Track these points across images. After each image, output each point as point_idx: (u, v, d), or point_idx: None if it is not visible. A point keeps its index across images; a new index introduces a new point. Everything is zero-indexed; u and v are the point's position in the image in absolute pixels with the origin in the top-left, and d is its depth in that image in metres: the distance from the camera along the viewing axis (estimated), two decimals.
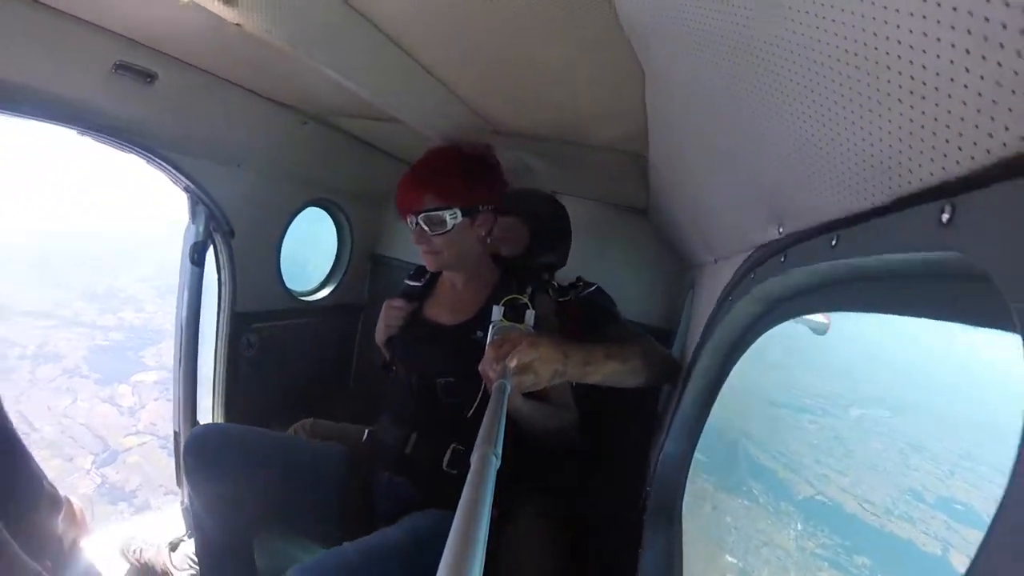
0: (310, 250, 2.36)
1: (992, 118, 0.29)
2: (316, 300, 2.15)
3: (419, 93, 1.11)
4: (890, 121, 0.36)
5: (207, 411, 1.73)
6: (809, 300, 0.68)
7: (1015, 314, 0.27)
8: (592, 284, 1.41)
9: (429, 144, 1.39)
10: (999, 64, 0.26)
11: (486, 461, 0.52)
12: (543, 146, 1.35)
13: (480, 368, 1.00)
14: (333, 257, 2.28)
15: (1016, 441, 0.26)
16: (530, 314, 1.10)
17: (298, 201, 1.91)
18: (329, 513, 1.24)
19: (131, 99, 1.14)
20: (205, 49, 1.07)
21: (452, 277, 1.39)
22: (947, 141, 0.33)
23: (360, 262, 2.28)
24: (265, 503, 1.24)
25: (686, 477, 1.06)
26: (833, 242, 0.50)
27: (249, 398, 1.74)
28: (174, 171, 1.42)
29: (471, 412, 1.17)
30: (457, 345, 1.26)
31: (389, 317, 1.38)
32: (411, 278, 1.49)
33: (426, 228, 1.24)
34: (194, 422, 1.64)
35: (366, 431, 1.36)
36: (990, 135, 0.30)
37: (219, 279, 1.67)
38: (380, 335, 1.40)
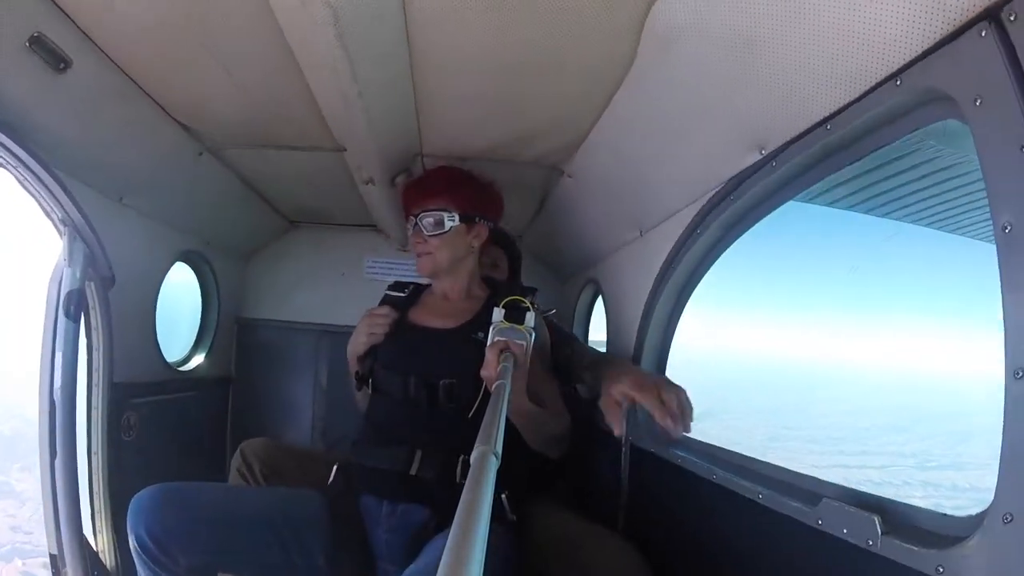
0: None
1: None
2: (189, 370, 1.95)
3: (348, 112, 1.18)
4: None
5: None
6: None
7: None
8: (550, 309, 1.66)
9: (314, 190, 1.69)
10: None
11: (486, 461, 0.52)
12: (468, 165, 1.47)
13: (483, 373, 1.07)
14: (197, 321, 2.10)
15: None
16: (530, 316, 1.15)
17: (174, 251, 1.78)
18: (315, 560, 1.18)
19: (37, 89, 1.00)
20: (123, 39, 1.02)
21: (444, 289, 1.45)
22: None
23: (227, 327, 2.13)
24: (243, 567, 1.18)
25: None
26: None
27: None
28: (54, 197, 1.24)
29: (472, 413, 1.22)
30: (457, 347, 1.30)
31: (373, 325, 1.39)
32: (393, 289, 1.53)
33: (423, 228, 1.36)
34: (80, 538, 1.37)
35: (335, 466, 1.33)
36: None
37: (89, 341, 1.43)
38: (359, 346, 1.40)
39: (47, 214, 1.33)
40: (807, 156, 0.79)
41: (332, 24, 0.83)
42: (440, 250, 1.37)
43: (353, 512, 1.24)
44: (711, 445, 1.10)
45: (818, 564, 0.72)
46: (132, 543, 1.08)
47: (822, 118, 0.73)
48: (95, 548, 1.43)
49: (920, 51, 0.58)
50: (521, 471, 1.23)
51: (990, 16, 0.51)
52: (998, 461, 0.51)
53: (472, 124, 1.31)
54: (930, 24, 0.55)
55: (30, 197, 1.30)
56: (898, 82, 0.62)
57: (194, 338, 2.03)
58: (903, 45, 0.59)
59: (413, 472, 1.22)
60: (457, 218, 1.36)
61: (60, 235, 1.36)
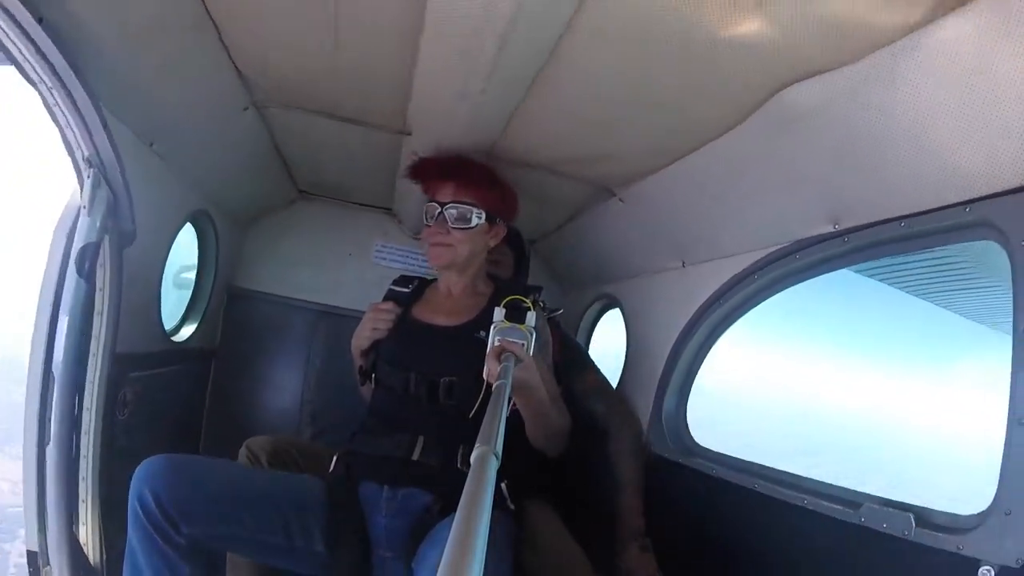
0: None
1: None
2: (181, 341, 1.82)
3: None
4: None
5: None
6: None
7: None
8: (557, 308, 1.73)
9: (342, 164, 1.69)
10: None
11: (486, 461, 0.54)
12: (524, 172, 1.54)
13: (485, 376, 1.11)
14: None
15: None
16: (531, 315, 1.19)
17: (186, 210, 1.66)
18: (314, 546, 1.21)
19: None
20: None
21: (450, 284, 1.48)
22: None
23: (219, 296, 2.00)
24: (243, 545, 1.21)
25: None
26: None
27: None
28: (86, 130, 1.11)
29: (472, 412, 1.25)
30: (458, 345, 1.34)
31: (377, 320, 1.42)
32: (397, 284, 1.56)
33: (448, 219, 1.38)
34: (69, 533, 1.26)
35: (335, 455, 1.36)
36: None
37: (91, 304, 1.29)
38: (363, 340, 1.44)
39: (70, 150, 1.18)
40: (875, 240, 1.02)
41: (506, 21, 0.86)
42: (461, 245, 1.40)
43: (352, 499, 1.26)
44: (733, 457, 1.32)
45: (859, 555, 0.95)
46: (133, 506, 1.07)
47: (900, 215, 0.96)
48: (80, 543, 1.31)
49: (993, 192, 0.81)
50: (520, 468, 1.27)
51: None
52: (999, 470, 0.76)
53: (554, 137, 1.37)
54: (1005, 173, 0.79)
55: (54, 126, 1.13)
56: (967, 209, 0.85)
57: (185, 306, 1.88)
58: (984, 181, 0.81)
59: (415, 457, 1.27)
60: (484, 216, 1.40)
61: (81, 177, 1.22)
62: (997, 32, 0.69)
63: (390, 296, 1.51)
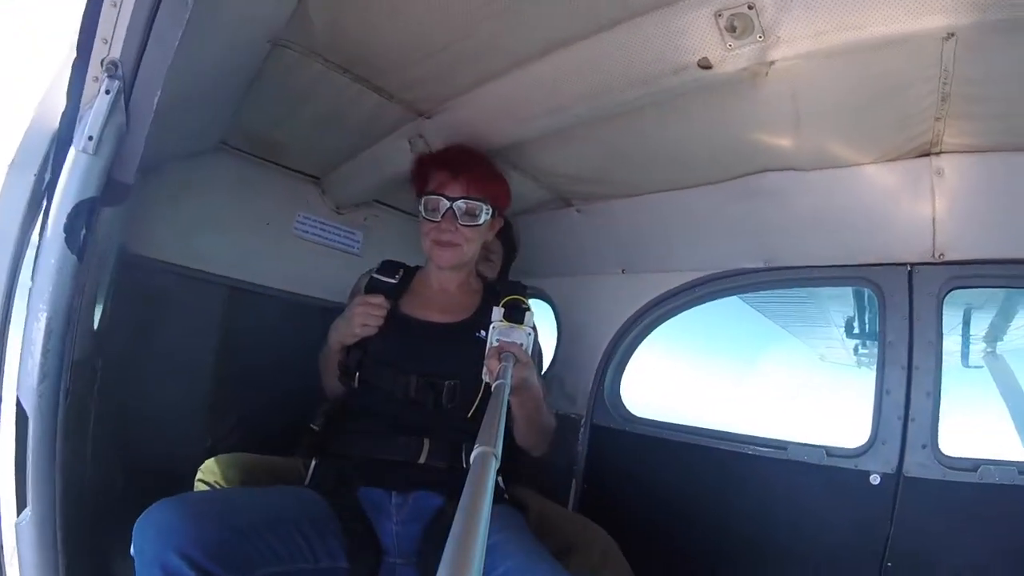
0: None
1: None
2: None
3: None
4: None
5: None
6: None
7: None
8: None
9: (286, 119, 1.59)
10: None
11: (487, 461, 0.55)
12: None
13: (484, 377, 1.15)
14: None
15: None
16: (529, 316, 1.24)
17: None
18: (337, 563, 1.14)
19: None
20: None
21: (444, 280, 1.47)
22: None
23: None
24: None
25: None
26: None
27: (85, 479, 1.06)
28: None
29: (471, 412, 1.29)
30: (458, 345, 1.35)
31: (367, 316, 1.31)
32: (382, 273, 1.47)
33: (457, 215, 1.36)
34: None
35: (312, 462, 1.31)
36: None
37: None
38: (349, 337, 1.34)
39: (86, 44, 0.81)
40: (794, 277, 1.61)
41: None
42: (470, 242, 1.40)
43: (356, 506, 1.21)
44: (667, 422, 1.77)
45: (788, 482, 1.49)
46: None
47: (814, 265, 1.55)
48: None
49: (873, 262, 1.43)
50: (509, 464, 1.37)
51: (908, 264, 1.39)
52: (871, 419, 1.39)
53: (563, 155, 1.58)
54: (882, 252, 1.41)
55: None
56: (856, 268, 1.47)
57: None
58: (870, 255, 1.43)
59: (422, 461, 1.26)
60: (491, 212, 1.41)
61: (82, 91, 0.84)
62: (893, 183, 1.32)
63: (375, 286, 1.42)
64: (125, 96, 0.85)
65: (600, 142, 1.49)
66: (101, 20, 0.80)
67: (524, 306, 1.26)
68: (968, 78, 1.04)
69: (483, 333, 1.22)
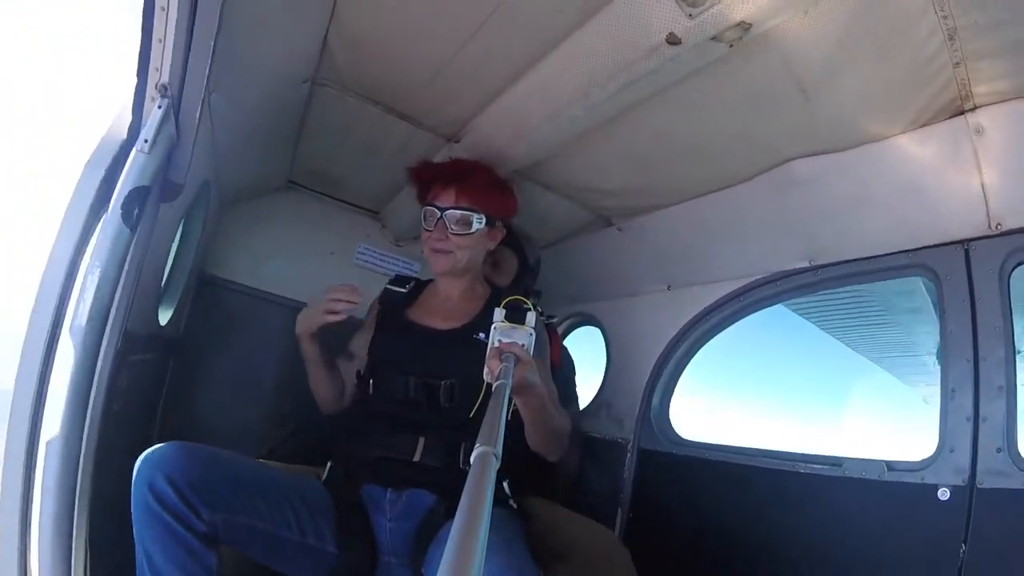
0: None
1: None
2: (162, 327, 1.63)
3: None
4: None
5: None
6: None
7: None
8: (552, 315, 1.83)
9: (346, 158, 1.77)
10: None
11: (486, 461, 0.55)
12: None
13: (485, 377, 1.14)
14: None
15: None
16: (531, 316, 1.24)
17: (203, 175, 1.55)
18: (325, 546, 1.18)
19: None
20: None
21: (448, 288, 1.54)
22: None
23: (191, 281, 1.85)
24: (258, 538, 1.12)
25: None
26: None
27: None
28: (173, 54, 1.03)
29: (472, 413, 1.31)
30: (457, 347, 1.39)
31: (334, 302, 1.34)
32: (394, 283, 1.60)
33: (448, 224, 1.42)
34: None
35: (328, 464, 1.37)
36: None
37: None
38: (313, 324, 1.37)
39: (143, 71, 1.04)
40: (841, 274, 1.47)
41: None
42: (462, 250, 1.44)
43: (357, 502, 1.26)
44: (715, 443, 1.63)
45: (844, 500, 1.31)
46: (142, 497, 0.99)
47: (860, 257, 1.41)
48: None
49: (927, 244, 1.27)
50: (520, 469, 1.32)
51: (963, 242, 1.20)
52: (938, 426, 1.17)
53: (584, 169, 1.64)
54: (936, 232, 1.25)
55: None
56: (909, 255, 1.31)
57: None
58: (922, 236, 1.28)
59: (416, 459, 1.29)
60: (484, 220, 1.45)
61: (145, 107, 1.08)
62: (930, 151, 1.19)
63: (387, 296, 1.55)
64: (174, 111, 1.09)
65: (615, 147, 1.53)
66: (152, 53, 1.03)
67: (526, 306, 1.27)
68: (967, 5, 0.95)
69: (483, 335, 1.25)
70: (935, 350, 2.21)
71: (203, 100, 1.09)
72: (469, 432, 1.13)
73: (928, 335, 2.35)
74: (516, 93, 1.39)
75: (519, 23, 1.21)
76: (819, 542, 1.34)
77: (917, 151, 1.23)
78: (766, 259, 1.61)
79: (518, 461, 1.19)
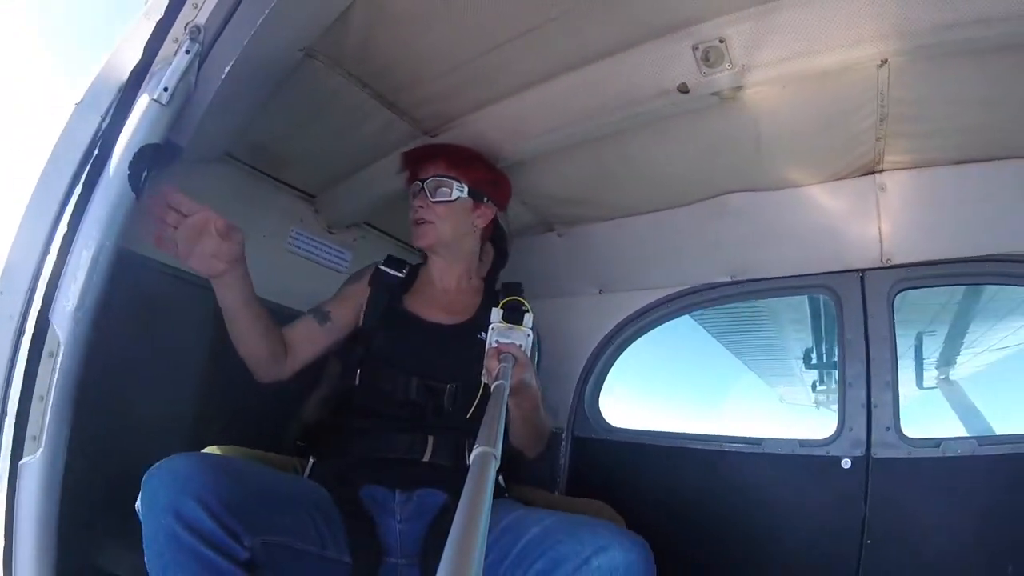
0: None
1: None
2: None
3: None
4: None
5: None
6: None
7: None
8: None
9: (292, 134, 1.65)
10: None
11: (486, 462, 0.55)
12: None
13: (484, 378, 1.15)
14: None
15: None
16: (528, 317, 1.25)
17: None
18: (342, 556, 1.11)
19: None
20: None
21: (443, 276, 1.51)
22: None
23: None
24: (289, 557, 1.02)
25: None
26: None
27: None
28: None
29: (470, 413, 1.31)
30: (460, 347, 1.36)
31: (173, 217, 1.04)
32: (388, 265, 1.49)
33: (428, 193, 1.41)
34: None
35: (311, 459, 1.31)
36: None
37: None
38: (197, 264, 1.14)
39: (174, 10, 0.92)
40: (757, 288, 1.77)
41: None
42: (443, 220, 1.41)
43: (359, 505, 1.20)
44: (644, 430, 1.85)
45: (763, 474, 1.60)
46: (170, 527, 0.82)
47: (777, 276, 1.73)
48: None
49: (830, 270, 1.61)
50: (504, 461, 1.33)
51: (860, 271, 1.57)
52: (837, 410, 1.51)
53: (551, 176, 1.72)
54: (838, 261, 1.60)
55: None
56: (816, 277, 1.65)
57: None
58: (827, 263, 1.62)
59: (426, 459, 1.26)
60: (466, 190, 1.42)
61: (161, 47, 0.93)
62: (843, 198, 1.53)
63: (381, 278, 1.46)
64: (200, 61, 0.95)
65: (588, 163, 1.65)
66: None
67: (523, 307, 1.27)
68: (902, 99, 1.27)
69: (483, 335, 1.22)
70: (801, 355, 2.74)
71: (236, 56, 0.97)
72: (472, 428, 1.06)
73: (798, 342, 2.89)
74: (520, 102, 1.43)
75: (543, 46, 1.28)
76: (744, 512, 1.60)
77: (831, 198, 1.57)
78: (693, 273, 1.85)
79: (504, 454, 1.21)
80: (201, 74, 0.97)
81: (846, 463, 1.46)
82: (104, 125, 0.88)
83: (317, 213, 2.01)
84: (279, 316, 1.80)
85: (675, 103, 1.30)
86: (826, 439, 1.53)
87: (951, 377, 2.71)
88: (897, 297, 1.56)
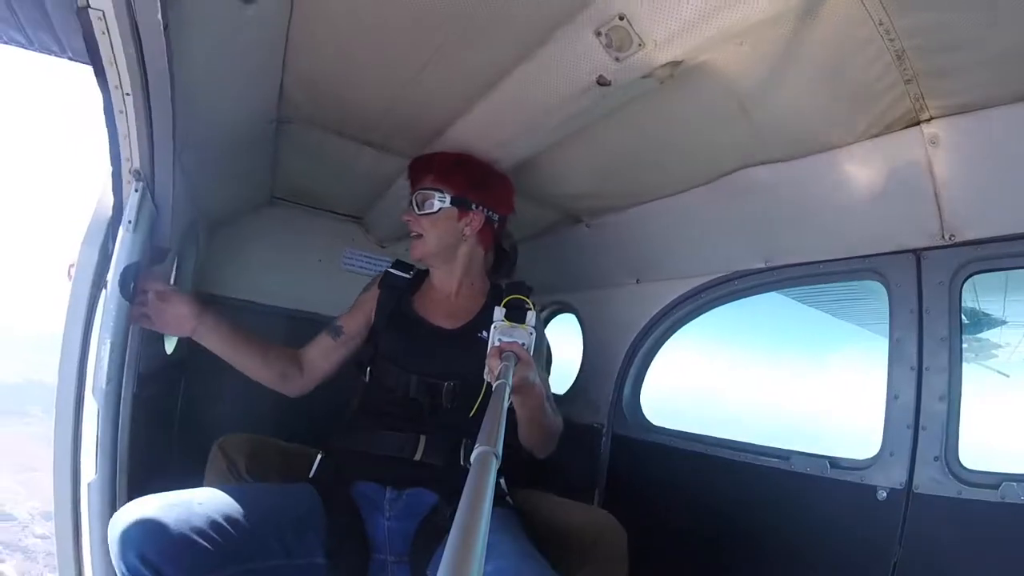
0: None
1: None
2: (170, 355, 1.75)
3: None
4: None
5: None
6: None
7: None
8: (542, 308, 1.91)
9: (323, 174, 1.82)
10: None
11: (486, 461, 0.55)
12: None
13: (486, 377, 1.13)
14: None
15: None
16: (531, 315, 1.22)
17: (189, 216, 1.62)
18: (314, 559, 1.14)
19: None
20: None
21: (444, 283, 1.51)
22: None
23: None
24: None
25: None
26: None
27: None
28: (139, 140, 1.09)
29: (472, 412, 1.31)
30: (461, 348, 1.37)
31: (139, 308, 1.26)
32: (396, 268, 1.55)
33: (415, 206, 1.43)
34: None
35: (319, 455, 1.35)
36: None
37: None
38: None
39: (116, 161, 1.11)
40: (796, 275, 1.49)
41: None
42: (428, 232, 1.42)
43: (348, 501, 1.23)
44: (681, 431, 1.72)
45: (790, 493, 1.39)
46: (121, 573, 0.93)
47: (816, 260, 1.42)
48: None
49: (879, 252, 1.27)
50: (510, 463, 1.29)
51: (915, 251, 1.20)
52: (883, 428, 1.22)
53: (551, 176, 1.66)
54: (887, 242, 1.25)
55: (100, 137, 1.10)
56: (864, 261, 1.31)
57: None
58: (874, 245, 1.27)
59: (418, 457, 1.28)
60: (448, 200, 1.41)
61: (122, 191, 1.16)
62: (885, 160, 1.17)
63: (389, 280, 1.51)
64: (150, 191, 1.17)
65: (582, 159, 1.54)
66: (120, 146, 1.09)
67: (526, 305, 1.26)
68: (911, 30, 0.92)
69: (485, 334, 1.21)
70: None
71: (173, 173, 1.18)
72: (471, 428, 1.09)
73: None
74: (465, 124, 1.41)
75: (457, 67, 1.23)
76: (766, 531, 1.41)
77: (870, 160, 1.20)
78: (725, 258, 1.62)
79: (510, 455, 1.17)
80: (157, 199, 1.20)
81: (882, 494, 1.18)
82: (100, 256, 1.19)
83: (367, 232, 2.23)
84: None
85: (607, 96, 1.13)
86: (863, 462, 1.25)
87: None
88: (965, 285, 1.15)
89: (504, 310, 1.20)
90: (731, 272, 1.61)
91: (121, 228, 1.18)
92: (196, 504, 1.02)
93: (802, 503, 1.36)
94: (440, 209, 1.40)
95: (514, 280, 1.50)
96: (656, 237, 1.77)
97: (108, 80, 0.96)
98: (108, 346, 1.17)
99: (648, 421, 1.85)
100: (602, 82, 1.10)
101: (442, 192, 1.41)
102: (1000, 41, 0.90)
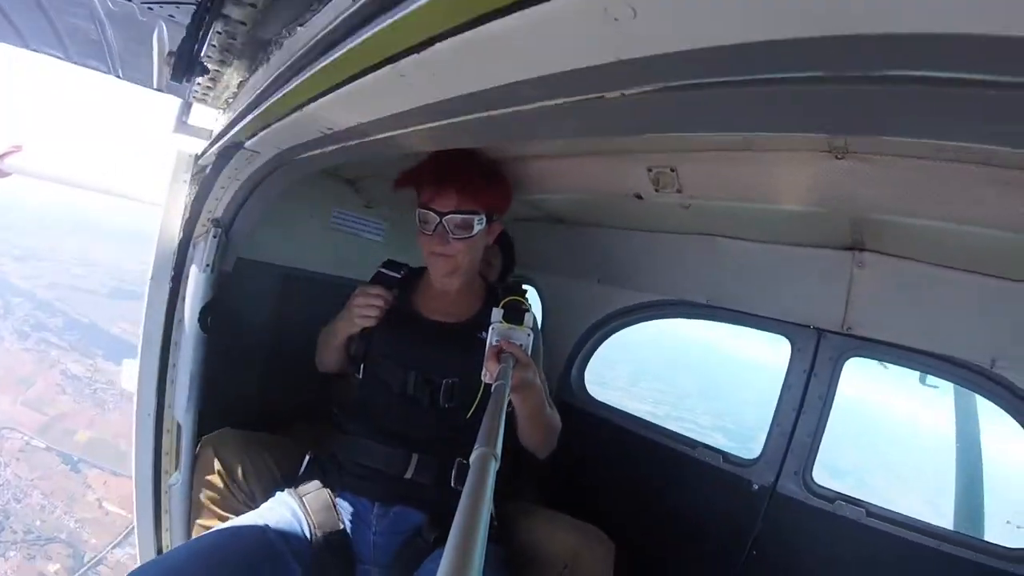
0: None
1: None
2: None
3: None
4: None
5: None
6: None
7: None
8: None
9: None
10: None
11: (486, 462, 0.54)
12: None
13: (483, 377, 1.12)
14: None
15: None
16: (529, 316, 1.20)
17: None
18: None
19: None
20: None
21: (445, 283, 1.39)
22: None
23: None
24: None
25: None
26: None
27: None
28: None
29: (471, 413, 1.27)
30: (459, 345, 1.31)
31: (365, 307, 1.30)
32: (387, 267, 1.46)
33: (449, 230, 1.27)
34: None
35: (307, 456, 1.34)
36: None
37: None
38: (351, 327, 1.35)
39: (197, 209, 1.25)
40: (728, 317, 1.84)
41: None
42: (464, 254, 1.30)
43: (334, 513, 1.22)
44: (614, 407, 2.13)
45: (688, 476, 1.84)
46: None
47: (745, 312, 1.77)
48: None
49: (796, 322, 1.70)
50: (505, 468, 1.21)
51: (820, 330, 1.65)
52: (765, 438, 1.73)
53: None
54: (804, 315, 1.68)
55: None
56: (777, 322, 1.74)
57: None
58: (797, 315, 1.68)
59: (408, 476, 1.24)
60: (485, 220, 1.30)
61: (200, 234, 1.30)
62: (817, 264, 1.54)
63: (379, 280, 1.42)
64: (224, 238, 1.28)
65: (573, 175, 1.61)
66: (210, 196, 1.19)
67: (524, 307, 1.23)
68: (868, 207, 1.20)
69: (484, 334, 1.19)
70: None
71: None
72: (463, 444, 0.99)
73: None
74: None
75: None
76: (670, 500, 1.86)
77: (810, 261, 1.56)
78: (675, 286, 1.92)
79: (505, 460, 1.13)
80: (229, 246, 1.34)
81: (755, 487, 1.67)
82: (169, 294, 1.29)
83: (357, 193, 2.19)
84: (323, 286, 2.09)
85: (634, 205, 1.38)
86: (747, 460, 1.73)
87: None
88: (847, 362, 1.59)
89: (502, 311, 1.19)
90: (679, 298, 1.93)
91: (196, 267, 1.32)
92: (172, 561, 1.03)
93: (698, 484, 1.82)
94: (478, 232, 1.29)
95: (509, 281, 1.57)
96: (624, 255, 2.02)
97: None
98: (187, 376, 1.35)
99: (590, 396, 2.19)
100: (638, 197, 1.32)
101: (479, 214, 1.28)
102: (929, 233, 1.24)
